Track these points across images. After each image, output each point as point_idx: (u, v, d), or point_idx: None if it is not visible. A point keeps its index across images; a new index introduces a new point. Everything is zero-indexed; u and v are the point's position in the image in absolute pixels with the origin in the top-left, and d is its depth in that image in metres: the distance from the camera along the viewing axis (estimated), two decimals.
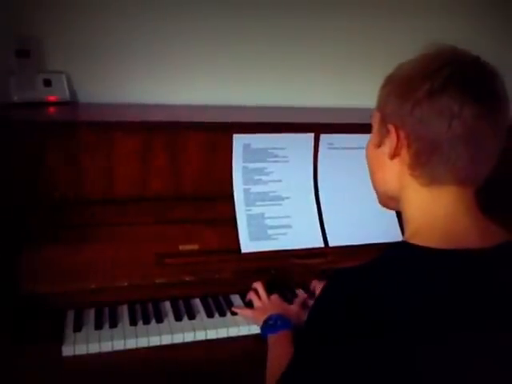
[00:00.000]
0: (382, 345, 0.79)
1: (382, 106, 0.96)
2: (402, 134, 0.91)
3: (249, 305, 1.57)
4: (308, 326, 0.94)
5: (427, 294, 0.82)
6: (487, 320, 0.83)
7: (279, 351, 1.27)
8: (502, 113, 0.88)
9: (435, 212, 0.91)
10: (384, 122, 0.95)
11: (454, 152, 0.86)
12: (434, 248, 0.85)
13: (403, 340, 0.79)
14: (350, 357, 0.82)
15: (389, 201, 1.03)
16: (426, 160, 0.89)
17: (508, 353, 0.84)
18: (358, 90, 2.09)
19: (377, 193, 1.06)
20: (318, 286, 1.59)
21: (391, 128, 0.92)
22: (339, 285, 0.89)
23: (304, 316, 1.39)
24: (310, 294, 1.61)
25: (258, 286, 1.57)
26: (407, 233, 0.95)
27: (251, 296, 1.56)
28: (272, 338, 1.35)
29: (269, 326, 1.40)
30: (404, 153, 0.92)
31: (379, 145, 0.98)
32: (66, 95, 1.84)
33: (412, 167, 0.91)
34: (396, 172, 0.95)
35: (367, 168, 1.06)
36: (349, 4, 2.12)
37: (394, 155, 0.94)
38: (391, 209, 1.06)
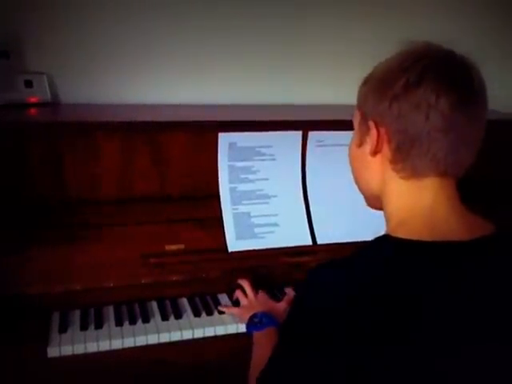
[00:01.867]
0: (364, 345, 0.78)
1: (361, 104, 0.97)
2: (382, 130, 0.91)
3: (236, 303, 1.57)
4: (287, 326, 0.93)
5: (411, 289, 0.81)
6: (470, 314, 0.82)
7: (263, 349, 1.27)
8: (478, 103, 0.89)
9: (417, 204, 0.91)
10: (364, 119, 0.95)
11: (434, 144, 0.86)
12: (416, 240, 0.85)
13: (388, 339, 0.78)
14: (329, 357, 0.80)
15: (375, 200, 1.02)
16: (406, 153, 0.89)
17: (494, 348, 0.83)
18: (348, 89, 2.10)
19: (362, 193, 1.06)
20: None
21: (371, 124, 0.92)
22: (319, 282, 0.88)
23: None
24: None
25: (245, 283, 1.57)
26: (389, 227, 0.95)
27: (238, 294, 1.56)
28: (257, 335, 1.35)
29: (254, 323, 1.39)
30: (385, 148, 0.92)
31: (361, 143, 0.98)
32: (48, 96, 1.82)
33: (393, 161, 0.91)
34: (378, 168, 0.95)
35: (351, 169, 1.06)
36: (340, 2, 2.14)
37: (375, 152, 0.94)
38: (378, 209, 1.04)
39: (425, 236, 0.85)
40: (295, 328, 0.89)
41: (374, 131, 0.92)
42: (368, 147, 0.95)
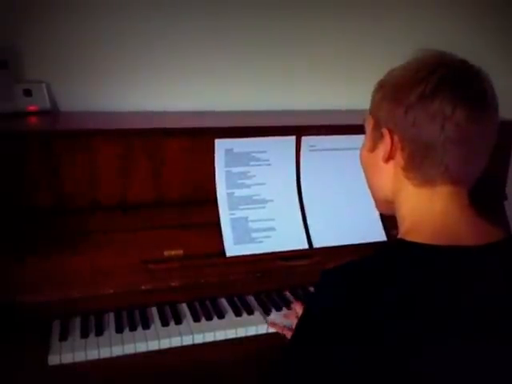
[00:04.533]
0: (381, 347, 0.80)
1: (375, 110, 0.98)
2: (395, 138, 0.92)
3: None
4: (301, 328, 0.93)
5: (420, 291, 0.82)
6: (478, 317, 0.83)
7: None
8: (492, 113, 0.90)
9: (429, 211, 0.92)
10: (377, 126, 0.96)
11: (447, 154, 0.87)
12: (428, 244, 0.86)
13: (403, 340, 0.80)
14: (343, 359, 0.82)
15: (387, 206, 1.03)
16: (419, 162, 0.90)
17: (499, 352, 0.84)
18: (342, 93, 2.12)
19: (375, 199, 1.07)
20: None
21: (385, 132, 0.93)
22: (333, 284, 0.88)
23: None
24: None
25: (297, 306, 1.51)
26: (402, 231, 0.96)
27: (291, 317, 1.50)
28: None
29: None
30: (398, 156, 0.93)
31: (373, 149, 0.99)
32: (47, 104, 1.83)
33: (406, 169, 0.93)
34: (390, 175, 0.96)
35: (359, 172, 1.07)
36: (335, 6, 2.13)
37: (388, 158, 0.95)
38: (390, 214, 1.05)
39: (436, 240, 0.86)
40: (313, 328, 0.89)
41: (387, 138, 0.93)
42: (381, 153, 0.96)
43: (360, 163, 1.06)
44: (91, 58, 1.88)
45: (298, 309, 1.51)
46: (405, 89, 0.90)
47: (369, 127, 1.00)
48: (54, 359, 1.33)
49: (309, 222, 1.74)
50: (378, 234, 1.75)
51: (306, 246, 1.72)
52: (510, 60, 2.40)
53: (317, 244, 1.73)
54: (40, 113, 1.82)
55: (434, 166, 0.89)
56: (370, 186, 1.06)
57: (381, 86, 0.97)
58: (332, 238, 1.74)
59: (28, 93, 1.81)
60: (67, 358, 1.34)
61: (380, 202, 1.06)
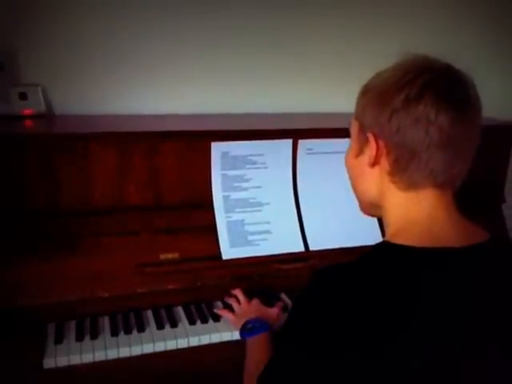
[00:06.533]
0: (367, 351, 0.80)
1: (360, 115, 0.98)
2: (381, 143, 0.92)
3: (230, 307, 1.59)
4: (288, 327, 0.94)
5: (408, 293, 0.83)
6: (464, 316, 0.84)
7: (257, 354, 1.29)
8: (475, 116, 0.91)
9: (415, 214, 0.93)
10: (363, 130, 0.96)
11: (432, 158, 0.88)
12: (414, 246, 0.87)
13: (389, 344, 0.80)
14: (329, 362, 0.82)
15: (371, 208, 1.04)
16: (405, 166, 0.91)
17: (486, 348, 0.85)
18: (340, 96, 2.11)
19: (359, 201, 1.07)
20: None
21: (370, 137, 0.94)
22: (322, 285, 0.89)
23: (284, 318, 1.40)
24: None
25: (238, 292, 1.59)
26: (388, 234, 0.97)
27: (231, 302, 1.58)
28: (250, 341, 1.37)
29: (247, 329, 1.41)
30: (383, 160, 0.93)
31: (358, 154, 0.99)
32: (42, 108, 1.83)
33: (391, 174, 0.93)
34: (376, 179, 0.97)
35: (348, 176, 1.08)
36: (335, 6, 2.14)
37: (373, 163, 0.95)
38: (373, 216, 1.08)
39: (422, 242, 0.87)
40: (298, 329, 0.90)
41: (373, 144, 0.93)
42: (366, 158, 0.96)
43: (345, 167, 1.07)
44: (87, 62, 1.88)
45: (238, 294, 1.57)
46: (389, 94, 0.90)
47: (354, 131, 1.00)
48: (49, 362, 1.33)
49: (305, 224, 1.74)
50: (374, 237, 1.71)
51: (302, 249, 1.72)
52: (509, 60, 2.40)
53: (313, 247, 1.73)
54: (35, 116, 1.82)
55: (419, 170, 0.90)
56: (355, 189, 1.06)
57: (366, 91, 0.98)
58: (328, 240, 1.74)
59: (23, 96, 1.80)
60: (62, 361, 1.34)
61: (365, 205, 1.07)
